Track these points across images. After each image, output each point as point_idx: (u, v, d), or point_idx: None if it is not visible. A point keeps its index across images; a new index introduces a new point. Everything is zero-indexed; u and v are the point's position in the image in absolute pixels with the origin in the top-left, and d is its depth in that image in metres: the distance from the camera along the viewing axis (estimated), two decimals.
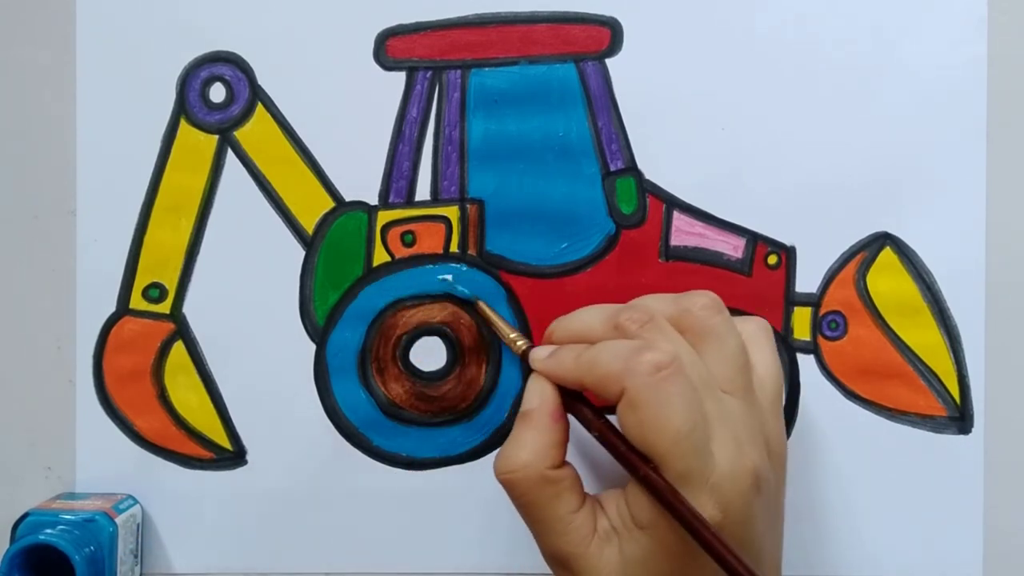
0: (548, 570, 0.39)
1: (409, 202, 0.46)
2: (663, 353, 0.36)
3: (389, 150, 0.46)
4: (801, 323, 0.46)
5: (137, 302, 0.46)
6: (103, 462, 0.46)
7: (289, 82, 0.46)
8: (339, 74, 0.46)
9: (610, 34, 0.45)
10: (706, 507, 0.35)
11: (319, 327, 0.46)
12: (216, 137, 0.46)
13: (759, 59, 0.45)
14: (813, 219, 0.45)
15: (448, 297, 0.46)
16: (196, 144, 0.46)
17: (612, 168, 0.46)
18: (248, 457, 0.46)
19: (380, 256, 0.46)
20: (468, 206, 0.46)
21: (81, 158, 0.46)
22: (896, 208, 0.45)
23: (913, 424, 0.45)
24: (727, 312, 0.39)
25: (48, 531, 0.42)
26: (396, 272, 0.46)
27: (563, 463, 0.38)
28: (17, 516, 0.44)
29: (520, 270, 0.46)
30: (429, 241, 0.46)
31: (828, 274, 0.45)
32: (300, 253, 0.46)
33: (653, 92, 0.45)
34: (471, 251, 0.46)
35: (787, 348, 0.46)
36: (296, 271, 0.46)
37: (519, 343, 0.42)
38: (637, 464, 0.36)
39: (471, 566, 0.46)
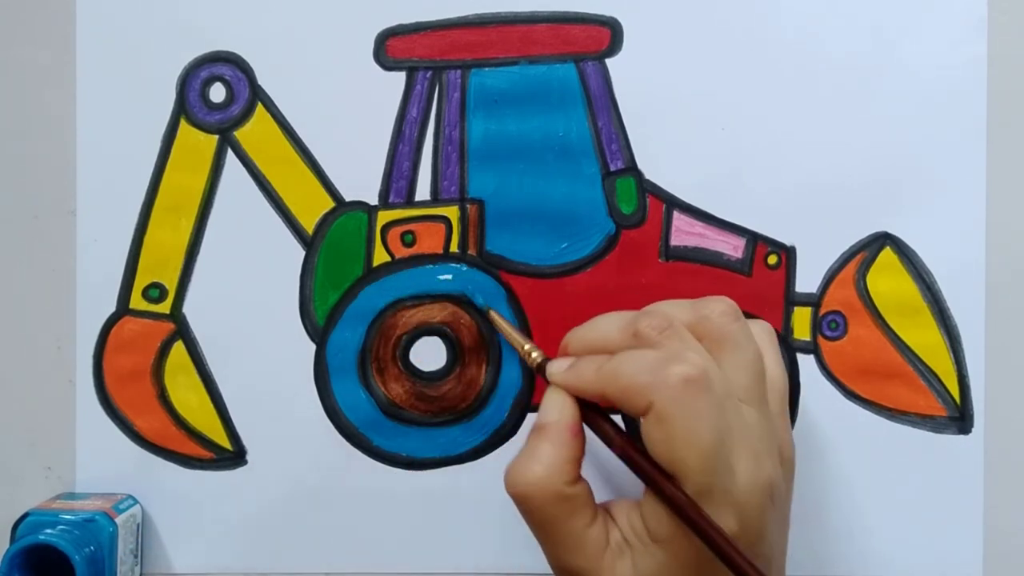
0: (549, 570, 0.39)
1: (409, 202, 0.46)
2: (691, 366, 0.35)
3: (389, 150, 0.46)
4: (801, 323, 0.46)
5: (137, 302, 0.46)
6: (103, 462, 0.46)
7: (289, 82, 0.46)
8: (339, 74, 0.46)
9: (610, 34, 0.45)
10: (725, 521, 0.35)
11: (319, 327, 0.46)
12: (216, 137, 0.46)
13: (759, 59, 0.45)
14: (813, 219, 0.45)
15: (448, 297, 0.46)
16: (196, 144, 0.46)
17: (612, 168, 0.46)
18: (248, 457, 0.46)
19: (380, 256, 0.46)
20: (468, 206, 0.46)
21: (81, 158, 0.46)
22: (896, 208, 0.45)
23: (913, 424, 0.45)
24: (744, 319, 0.38)
25: (48, 531, 0.42)
26: (396, 272, 0.46)
27: (578, 478, 0.37)
28: (17, 516, 0.44)
29: (520, 270, 0.46)
30: (429, 241, 0.46)
31: (828, 274, 0.45)
32: (300, 253, 0.46)
33: (653, 92, 0.45)
34: (471, 251, 0.46)
35: (787, 348, 0.46)
36: (296, 271, 0.46)
37: (534, 355, 0.41)
38: (661, 482, 0.35)
39: (471, 566, 0.46)
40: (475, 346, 0.46)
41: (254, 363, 0.46)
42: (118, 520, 0.44)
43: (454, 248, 0.46)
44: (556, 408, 0.37)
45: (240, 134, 0.46)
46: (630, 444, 0.37)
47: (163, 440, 0.46)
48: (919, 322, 0.45)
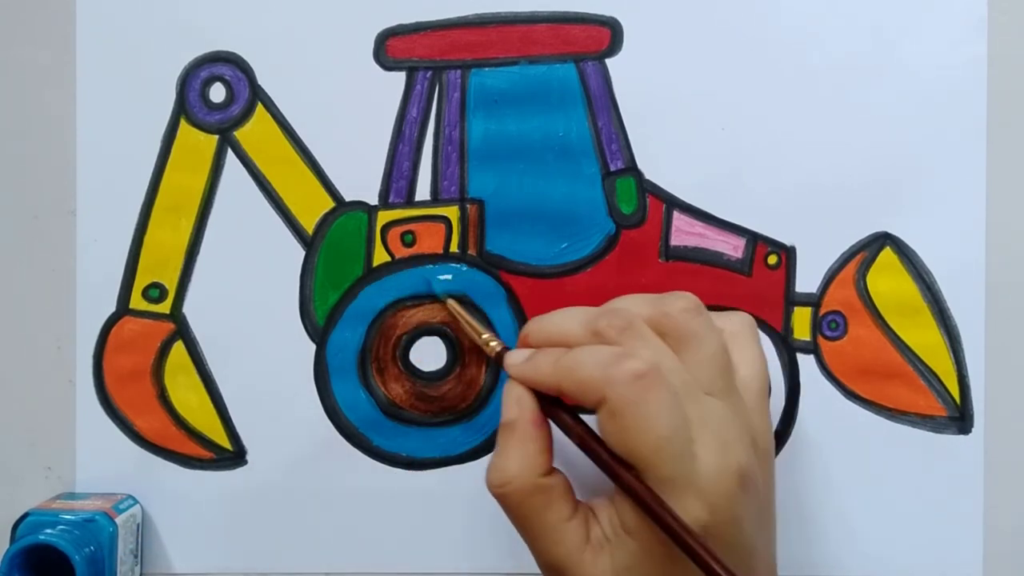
0: None
1: (409, 202, 0.46)
2: (642, 361, 0.35)
3: (389, 150, 0.46)
4: (801, 323, 0.46)
5: (137, 302, 0.46)
6: (103, 462, 0.46)
7: (289, 82, 0.46)
8: (339, 74, 0.46)
9: (610, 34, 0.45)
10: (693, 508, 0.35)
11: (319, 327, 0.46)
12: (216, 137, 0.46)
13: (759, 59, 0.45)
14: (813, 219, 0.45)
15: (450, 295, 0.46)
16: (196, 144, 0.46)
17: (612, 168, 0.46)
18: (248, 457, 0.46)
19: (380, 256, 0.46)
20: (468, 206, 0.46)
21: (81, 158, 0.46)
22: (896, 208, 0.45)
23: (913, 424, 0.45)
24: (707, 313, 0.38)
25: (48, 531, 0.42)
26: (396, 272, 0.46)
27: (552, 469, 0.38)
28: (17, 516, 0.44)
29: (520, 270, 0.46)
30: (429, 241, 0.46)
31: (828, 274, 0.45)
32: (300, 253, 0.46)
33: (653, 92, 0.45)
34: (471, 251, 0.46)
35: (787, 348, 0.46)
36: (296, 271, 0.46)
37: (492, 344, 0.41)
38: (618, 471, 0.36)
39: (471, 566, 0.46)
40: (475, 346, 0.45)
41: (254, 363, 0.46)
42: (118, 520, 0.44)
43: (454, 248, 0.46)
44: (515, 403, 0.38)
45: (240, 134, 0.46)
46: (589, 434, 0.37)
47: (163, 440, 0.46)
48: (919, 322, 0.45)
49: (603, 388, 0.35)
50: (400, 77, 0.46)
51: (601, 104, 0.45)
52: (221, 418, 0.46)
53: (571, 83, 0.45)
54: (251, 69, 0.46)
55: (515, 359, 0.39)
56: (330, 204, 0.46)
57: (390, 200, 0.46)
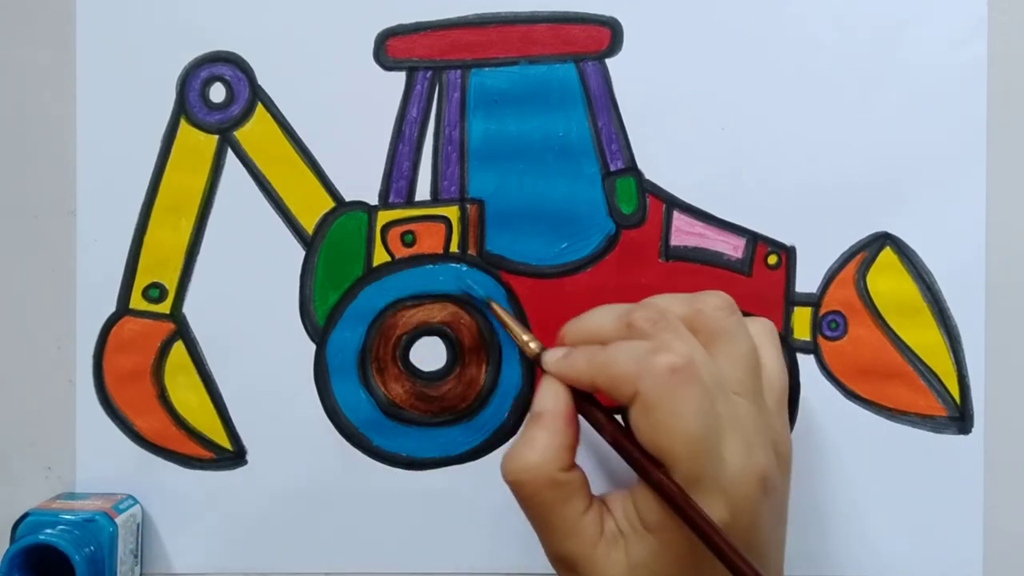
0: (549, 570, 0.39)
1: (409, 202, 0.46)
2: (677, 355, 0.35)
3: (389, 150, 0.46)
4: (801, 323, 0.46)
5: (137, 302, 0.46)
6: (103, 462, 0.46)
7: (289, 82, 0.46)
8: (339, 74, 0.46)
9: (610, 34, 0.45)
10: (715, 509, 0.35)
11: (319, 327, 0.46)
12: (216, 137, 0.46)
13: (759, 59, 0.45)
14: (813, 219, 0.45)
15: (448, 297, 0.46)
16: (196, 144, 0.46)
17: (612, 168, 0.46)
18: (248, 457, 0.46)
19: (380, 256, 0.46)
20: (468, 206, 0.46)
21: (81, 158, 0.46)
22: (896, 208, 0.45)
23: (913, 424, 0.45)
24: (739, 313, 0.38)
25: (48, 531, 0.42)
26: (396, 272, 0.46)
27: (572, 466, 0.38)
28: (17, 516, 0.44)
29: (520, 270, 0.46)
30: (429, 241, 0.46)
31: (828, 274, 0.45)
32: (300, 253, 0.46)
33: (653, 92, 0.45)
34: (471, 251, 0.46)
35: (787, 348, 0.46)
36: (296, 271, 0.46)
37: (532, 345, 0.41)
38: (649, 468, 0.36)
39: (471, 566, 0.46)
40: (475, 346, 0.46)
41: (254, 363, 0.46)
42: (118, 520, 0.44)
43: (454, 248, 0.46)
44: (550, 397, 0.38)
45: (240, 134, 0.46)
46: (621, 432, 0.37)
47: (163, 440, 0.46)
48: (919, 322, 0.45)
49: (637, 382, 0.35)
50: (400, 77, 0.46)
51: (601, 104, 0.45)
52: (221, 418, 0.46)
53: (571, 83, 0.45)
54: (251, 69, 0.46)
55: (552, 356, 0.39)
56: (330, 204, 0.46)
57: (390, 200, 0.46)
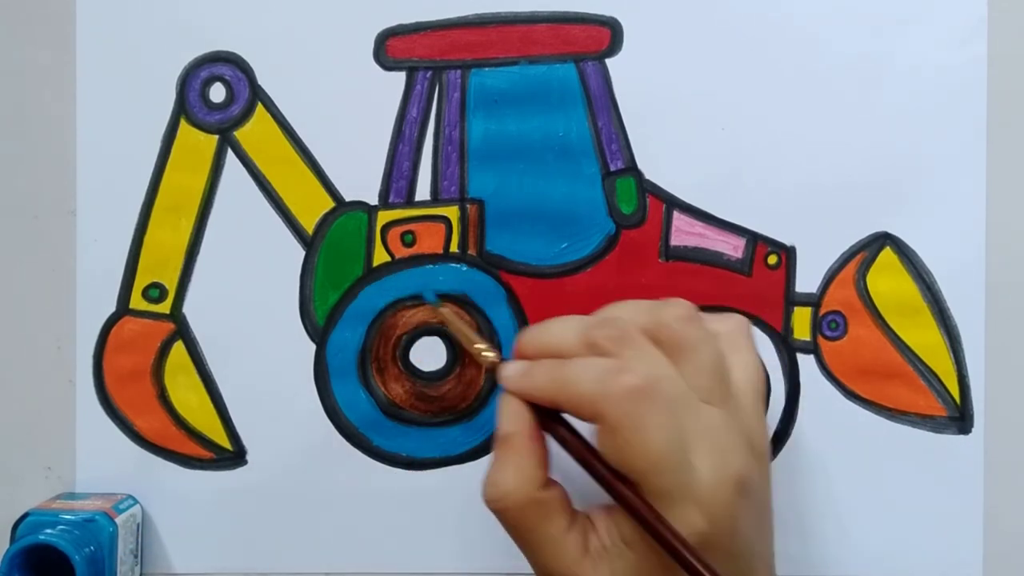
0: None
1: (409, 202, 0.46)
2: (638, 376, 0.35)
3: (389, 150, 0.46)
4: (801, 323, 0.46)
5: (137, 302, 0.46)
6: (103, 462, 0.46)
7: (289, 82, 0.46)
8: (339, 74, 0.46)
9: (610, 34, 0.45)
10: (691, 519, 0.35)
11: (319, 327, 0.46)
12: (216, 137, 0.46)
13: (759, 59, 0.45)
14: (813, 219, 0.45)
15: (448, 297, 0.46)
16: (196, 144, 0.46)
17: (612, 168, 0.46)
18: (248, 457, 0.46)
19: (380, 256, 0.46)
20: (468, 206, 0.46)
21: (81, 158, 0.46)
22: (896, 208, 0.45)
23: (913, 424, 0.45)
24: (702, 320, 0.38)
25: (48, 531, 0.42)
26: (396, 272, 0.46)
27: (549, 481, 0.37)
28: (17, 516, 0.44)
29: (520, 270, 0.46)
30: (429, 241, 0.46)
31: (828, 274, 0.45)
32: (300, 253, 0.46)
33: (653, 92, 0.45)
34: (471, 251, 0.46)
35: (787, 348, 0.46)
36: (296, 271, 0.46)
37: (485, 354, 0.39)
38: (615, 485, 0.36)
39: (471, 566, 0.46)
40: None
41: (254, 363, 0.46)
42: (118, 520, 0.44)
43: (454, 248, 0.46)
44: (512, 418, 0.37)
45: (240, 134, 0.46)
46: (587, 448, 0.37)
47: (163, 440, 0.46)
48: (919, 322, 0.45)
49: (599, 404, 0.35)
50: (400, 77, 0.46)
51: (601, 104, 0.45)
52: (221, 418, 0.46)
53: (571, 83, 0.45)
54: (251, 69, 0.46)
55: (510, 371, 0.38)
56: (330, 204, 0.46)
57: (390, 200, 0.46)
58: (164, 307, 0.46)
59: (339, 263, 0.46)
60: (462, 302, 0.46)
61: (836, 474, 0.45)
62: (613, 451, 0.35)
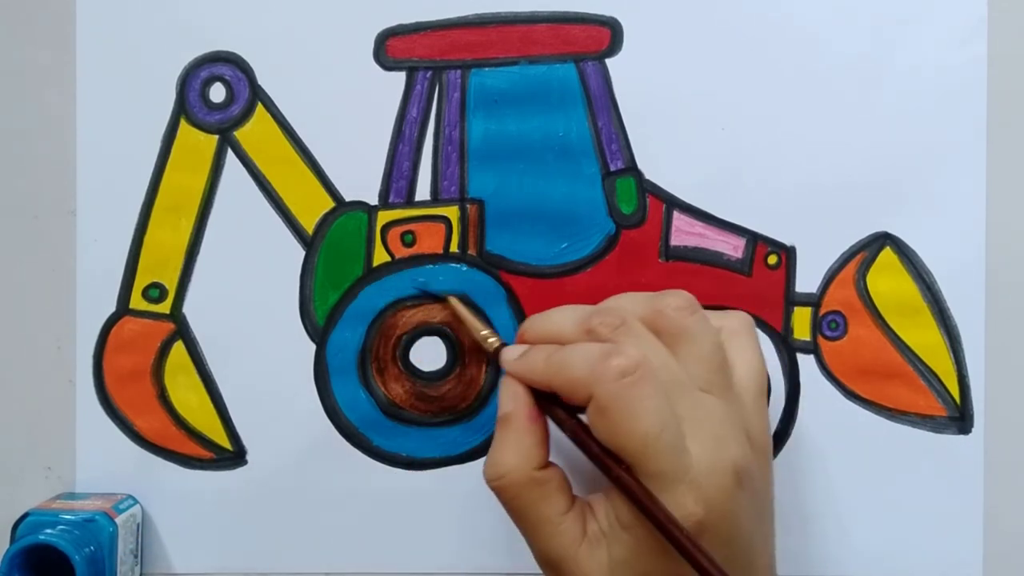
0: None
1: (409, 202, 0.46)
2: (628, 358, 0.36)
3: (389, 150, 0.46)
4: (801, 323, 0.46)
5: (137, 302, 0.46)
6: (103, 462, 0.46)
7: (289, 82, 0.46)
8: (339, 74, 0.46)
9: (610, 34, 0.45)
10: (686, 503, 0.35)
11: (319, 327, 0.46)
12: (216, 137, 0.46)
13: (759, 59, 0.45)
14: (813, 219, 0.45)
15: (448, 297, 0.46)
16: (196, 144, 0.46)
17: (612, 168, 0.46)
18: (248, 457, 0.46)
19: (380, 256, 0.46)
20: (468, 206, 0.46)
21: (81, 158, 0.46)
22: (896, 208, 0.45)
23: (913, 424, 0.45)
24: (702, 311, 0.39)
25: (48, 531, 0.42)
26: (396, 272, 0.46)
27: (548, 463, 0.38)
28: (17, 516, 0.44)
29: (520, 270, 0.46)
30: (429, 241, 0.46)
31: (828, 274, 0.45)
32: (300, 253, 0.46)
33: (653, 92, 0.45)
34: (471, 251, 0.46)
35: (787, 348, 0.46)
36: (296, 271, 0.46)
37: (490, 340, 0.41)
38: (610, 465, 0.36)
39: (471, 566, 0.46)
40: (475, 346, 0.45)
41: (254, 363, 0.46)
42: (118, 520, 0.44)
43: (454, 248, 0.46)
44: (511, 398, 0.39)
45: (240, 134, 0.46)
46: (582, 429, 0.37)
47: (163, 440, 0.46)
48: (919, 322, 0.45)
49: (590, 385, 0.36)
50: (400, 77, 0.46)
51: (601, 104, 0.45)
52: (221, 418, 0.46)
53: (571, 83, 0.45)
54: (251, 69, 0.46)
55: (510, 355, 0.40)
56: (330, 204, 0.46)
57: (390, 200, 0.46)
58: (164, 307, 0.46)
59: (339, 263, 0.46)
60: (463, 302, 0.46)
61: (836, 474, 0.45)
62: (605, 432, 0.36)
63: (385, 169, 0.46)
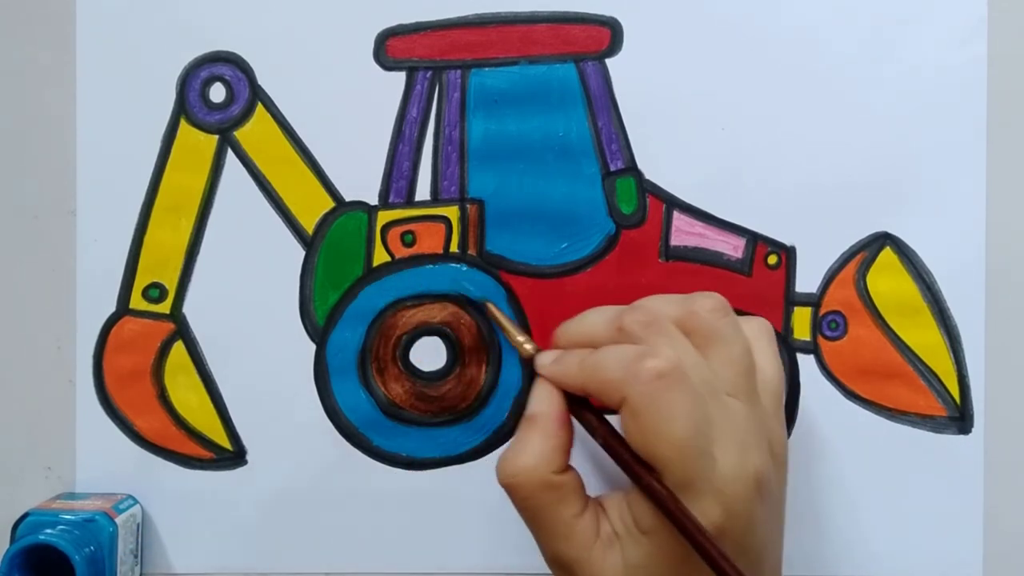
0: (549, 571, 0.39)
1: (409, 202, 0.46)
2: (664, 360, 0.35)
3: (389, 150, 0.46)
4: (801, 323, 0.46)
5: (137, 302, 0.46)
6: (103, 462, 0.46)
7: (289, 82, 0.46)
8: (339, 74, 0.46)
9: (610, 34, 0.45)
10: (709, 510, 0.35)
11: (319, 327, 0.46)
12: (216, 137, 0.46)
13: (759, 59, 0.45)
14: (813, 219, 0.45)
15: (448, 297, 0.46)
16: (196, 144, 0.46)
17: (612, 168, 0.46)
18: (248, 457, 0.46)
19: (380, 256, 0.46)
20: (468, 206, 0.46)
21: (81, 158, 0.46)
22: (896, 208, 0.45)
23: (913, 424, 0.45)
24: (733, 314, 0.38)
25: (48, 531, 0.42)
26: (396, 272, 0.46)
27: (567, 468, 0.38)
28: (17, 516, 0.44)
29: (520, 270, 0.46)
30: (429, 241, 0.46)
31: (828, 274, 0.45)
32: (300, 253, 0.46)
33: (653, 92, 0.45)
34: (471, 251, 0.46)
35: (787, 348, 0.46)
36: (296, 271, 0.46)
37: (527, 346, 0.41)
38: (640, 472, 0.36)
39: (471, 566, 0.46)
40: (475, 346, 0.46)
41: (254, 363, 0.46)
42: (118, 520, 0.44)
43: (454, 248, 0.46)
44: (543, 399, 0.38)
45: (240, 134, 0.46)
46: (613, 435, 0.37)
47: (163, 440, 0.46)
48: (919, 322, 0.45)
49: (624, 387, 0.35)
50: (400, 77, 0.46)
51: (601, 104, 0.45)
52: (221, 418, 0.46)
53: (571, 83, 0.45)
54: (251, 69, 0.46)
55: (545, 359, 0.39)
56: (330, 204, 0.46)
57: (390, 200, 0.46)
58: (164, 307, 0.46)
59: (339, 263, 0.46)
60: (463, 302, 0.46)
61: (835, 474, 0.45)
62: (637, 436, 0.36)
63: (385, 169, 0.46)
